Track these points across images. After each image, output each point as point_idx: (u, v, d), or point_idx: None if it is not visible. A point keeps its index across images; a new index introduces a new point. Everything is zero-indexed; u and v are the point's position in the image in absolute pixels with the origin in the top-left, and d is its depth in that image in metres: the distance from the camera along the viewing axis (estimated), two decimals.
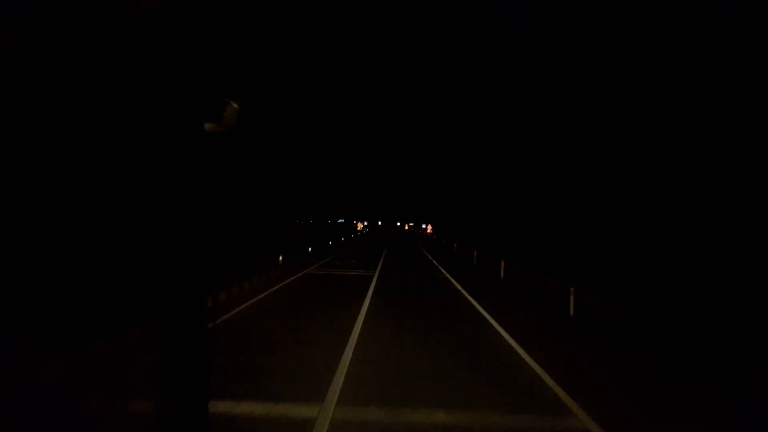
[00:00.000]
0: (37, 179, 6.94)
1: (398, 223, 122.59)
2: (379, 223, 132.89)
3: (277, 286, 12.28)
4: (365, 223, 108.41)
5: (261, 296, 10.71)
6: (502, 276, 15.99)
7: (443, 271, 17.85)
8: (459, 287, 13.17)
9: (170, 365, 1.66)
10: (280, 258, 16.51)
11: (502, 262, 15.98)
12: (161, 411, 1.69)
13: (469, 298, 11.40)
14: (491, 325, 8.49)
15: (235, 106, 1.96)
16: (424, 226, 76.40)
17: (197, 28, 1.73)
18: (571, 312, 9.76)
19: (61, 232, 7.21)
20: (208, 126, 1.82)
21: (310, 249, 21.35)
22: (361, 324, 8.09)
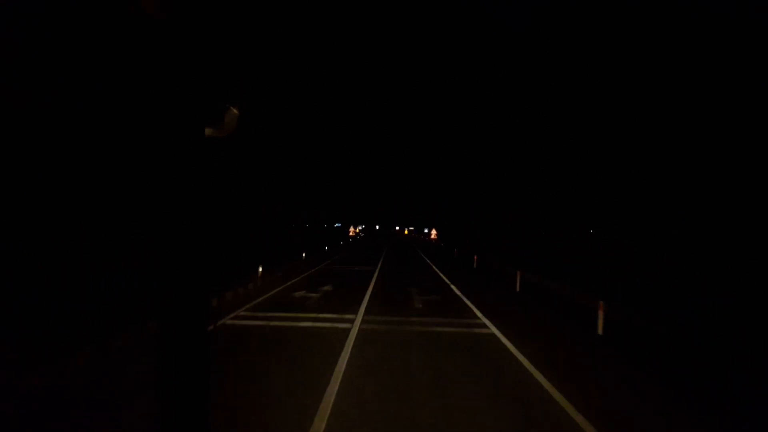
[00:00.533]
0: (39, 181, 6.98)
1: (397, 227, 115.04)
2: (377, 227, 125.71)
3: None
4: (360, 228, 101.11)
5: None
6: (600, 332, 8.28)
7: (492, 327, 10.15)
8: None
9: (170, 365, 1.57)
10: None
11: (601, 306, 8.26)
12: (161, 411, 1.60)
13: None
14: None
15: (235, 111, 1.87)
16: (426, 230, 68.45)
17: (198, 33, 1.67)
18: None
19: (62, 233, 7.16)
20: (208, 131, 1.75)
21: (260, 269, 13.66)
22: None
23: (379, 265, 21.03)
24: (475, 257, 21.43)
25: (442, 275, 17.59)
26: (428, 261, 24.81)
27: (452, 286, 14.21)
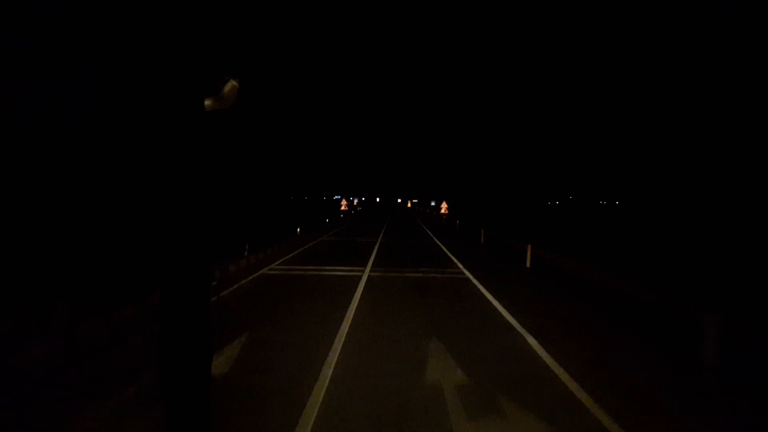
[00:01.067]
0: (38, 177, 7.94)
1: (399, 200, 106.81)
2: (377, 199, 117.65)
3: None
4: (360, 199, 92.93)
5: None
6: None
7: None
8: None
9: (173, 335, 1.58)
10: None
11: None
12: (162, 381, 1.61)
13: None
14: None
15: (234, 83, 1.81)
16: (433, 203, 59.76)
17: (197, 3, 1.62)
18: None
19: (60, 231, 7.94)
20: (208, 104, 1.74)
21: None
22: None
23: (369, 266, 12.80)
24: (529, 249, 13.13)
25: (491, 298, 9.37)
26: (446, 250, 16.57)
27: (541, 350, 6.00)
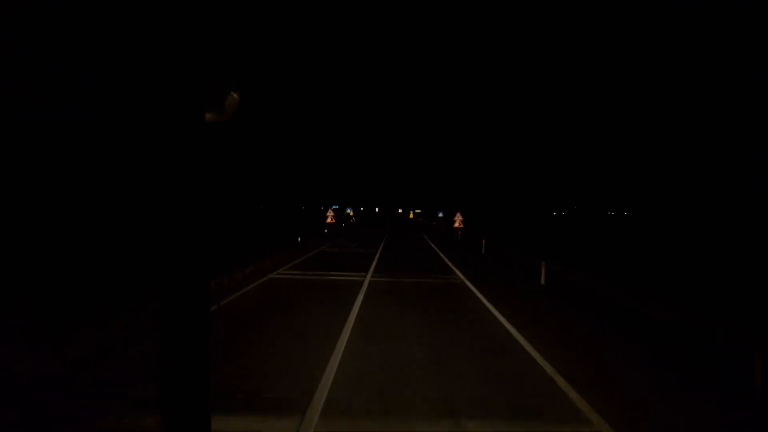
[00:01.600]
0: (40, 178, 7.87)
1: (400, 210, 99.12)
2: (377, 209, 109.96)
3: None
4: (359, 209, 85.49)
5: None
6: None
7: None
8: None
9: (172, 342, 1.55)
10: None
11: None
12: (163, 394, 1.55)
13: None
14: None
15: (235, 96, 1.82)
16: (441, 214, 51.75)
17: (198, 16, 1.60)
18: None
19: (62, 235, 7.82)
20: (208, 116, 1.70)
21: None
22: None
23: (330, 376, 5.07)
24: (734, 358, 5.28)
25: None
26: (493, 310, 8.84)
27: None
